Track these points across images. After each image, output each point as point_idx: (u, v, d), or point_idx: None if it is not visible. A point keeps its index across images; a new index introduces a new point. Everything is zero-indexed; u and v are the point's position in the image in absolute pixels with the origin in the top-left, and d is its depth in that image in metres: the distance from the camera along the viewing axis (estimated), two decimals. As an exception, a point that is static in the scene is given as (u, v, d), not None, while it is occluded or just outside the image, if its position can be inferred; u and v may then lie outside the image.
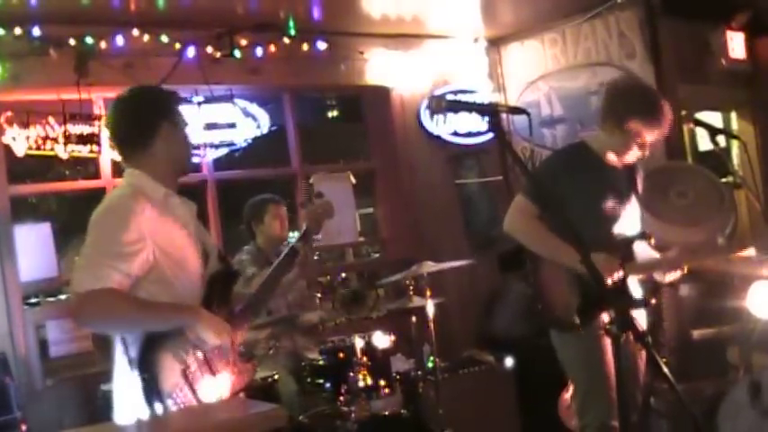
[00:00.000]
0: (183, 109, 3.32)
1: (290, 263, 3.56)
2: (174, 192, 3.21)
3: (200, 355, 3.02)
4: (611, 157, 4.04)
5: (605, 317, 3.38)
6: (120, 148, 3.25)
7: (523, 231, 3.95)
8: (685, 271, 3.97)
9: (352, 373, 4.77)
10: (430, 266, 5.25)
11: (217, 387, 3.06)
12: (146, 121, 3.16)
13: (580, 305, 3.75)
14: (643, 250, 4.01)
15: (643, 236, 4.04)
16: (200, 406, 2.95)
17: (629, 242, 4.00)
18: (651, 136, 3.93)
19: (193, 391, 2.96)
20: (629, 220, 4.05)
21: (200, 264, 3.21)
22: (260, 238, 5.52)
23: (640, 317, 4.01)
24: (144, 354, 2.91)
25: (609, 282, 3.71)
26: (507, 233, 4.02)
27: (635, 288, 3.94)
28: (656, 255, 4.02)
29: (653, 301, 4.06)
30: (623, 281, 3.82)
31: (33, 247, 5.53)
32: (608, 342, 3.31)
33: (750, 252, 4.16)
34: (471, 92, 7.41)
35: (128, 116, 3.19)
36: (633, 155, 4.01)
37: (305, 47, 6.40)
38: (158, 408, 2.86)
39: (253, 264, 5.27)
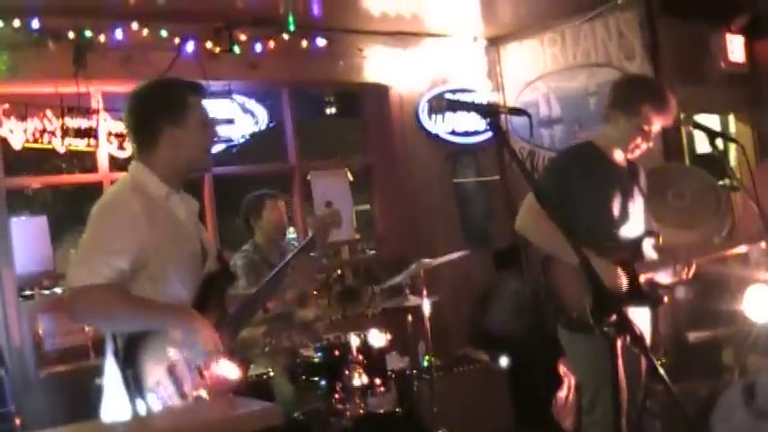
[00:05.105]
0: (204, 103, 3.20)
1: (288, 270, 3.50)
2: (177, 190, 3.15)
3: (186, 354, 2.97)
4: (617, 154, 4.05)
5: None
6: (131, 142, 3.21)
7: (534, 231, 3.93)
8: (694, 268, 3.97)
9: (347, 371, 4.76)
10: (427, 263, 5.25)
11: (203, 386, 2.99)
12: (147, 124, 3.10)
13: (593, 306, 3.69)
14: (649, 248, 4.02)
15: (650, 234, 4.05)
16: (193, 404, 2.91)
17: (638, 241, 4.01)
18: (659, 123, 3.96)
19: (178, 388, 2.92)
20: (637, 218, 4.06)
21: (199, 263, 3.18)
22: (258, 234, 5.43)
23: (644, 318, 4.01)
24: (128, 350, 2.89)
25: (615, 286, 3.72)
26: (519, 232, 4.01)
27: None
28: (658, 253, 4.02)
29: (665, 299, 4.03)
30: (636, 280, 3.83)
31: (29, 240, 5.52)
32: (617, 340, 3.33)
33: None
34: (470, 91, 7.41)
35: (132, 116, 3.14)
36: (638, 147, 4.01)
37: (304, 43, 6.39)
38: (140, 404, 2.83)
39: (246, 271, 5.17)
